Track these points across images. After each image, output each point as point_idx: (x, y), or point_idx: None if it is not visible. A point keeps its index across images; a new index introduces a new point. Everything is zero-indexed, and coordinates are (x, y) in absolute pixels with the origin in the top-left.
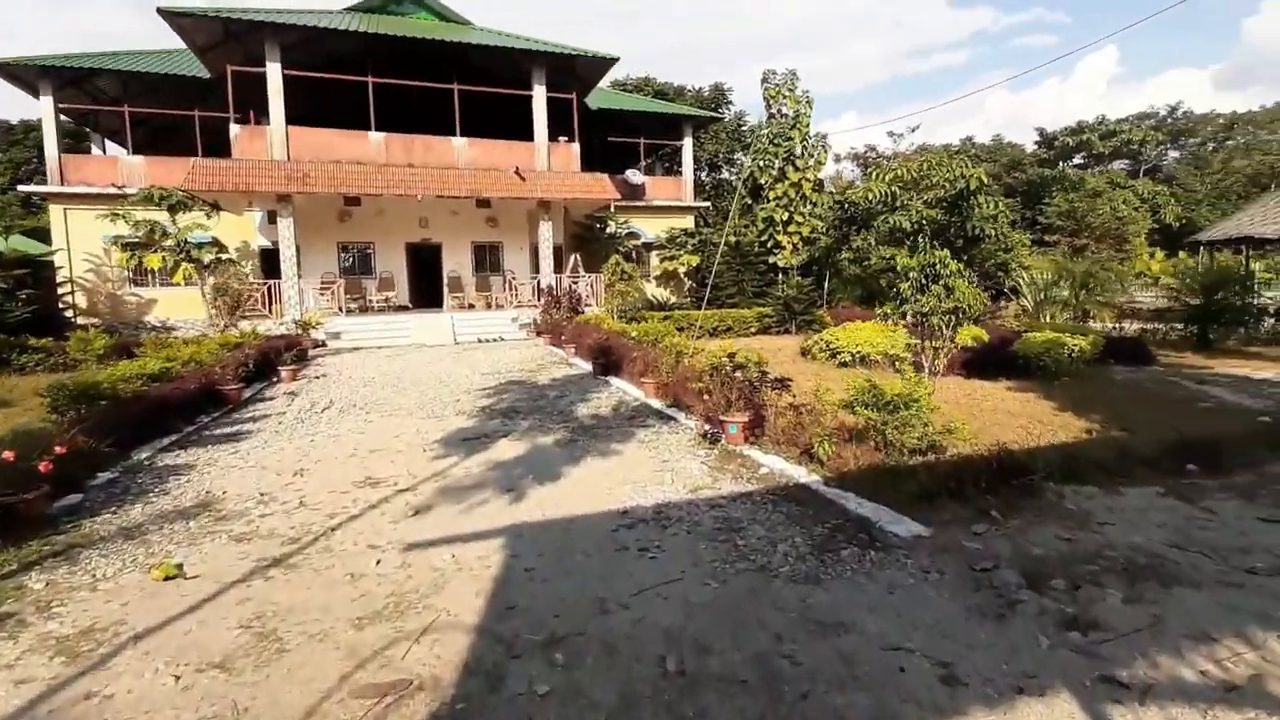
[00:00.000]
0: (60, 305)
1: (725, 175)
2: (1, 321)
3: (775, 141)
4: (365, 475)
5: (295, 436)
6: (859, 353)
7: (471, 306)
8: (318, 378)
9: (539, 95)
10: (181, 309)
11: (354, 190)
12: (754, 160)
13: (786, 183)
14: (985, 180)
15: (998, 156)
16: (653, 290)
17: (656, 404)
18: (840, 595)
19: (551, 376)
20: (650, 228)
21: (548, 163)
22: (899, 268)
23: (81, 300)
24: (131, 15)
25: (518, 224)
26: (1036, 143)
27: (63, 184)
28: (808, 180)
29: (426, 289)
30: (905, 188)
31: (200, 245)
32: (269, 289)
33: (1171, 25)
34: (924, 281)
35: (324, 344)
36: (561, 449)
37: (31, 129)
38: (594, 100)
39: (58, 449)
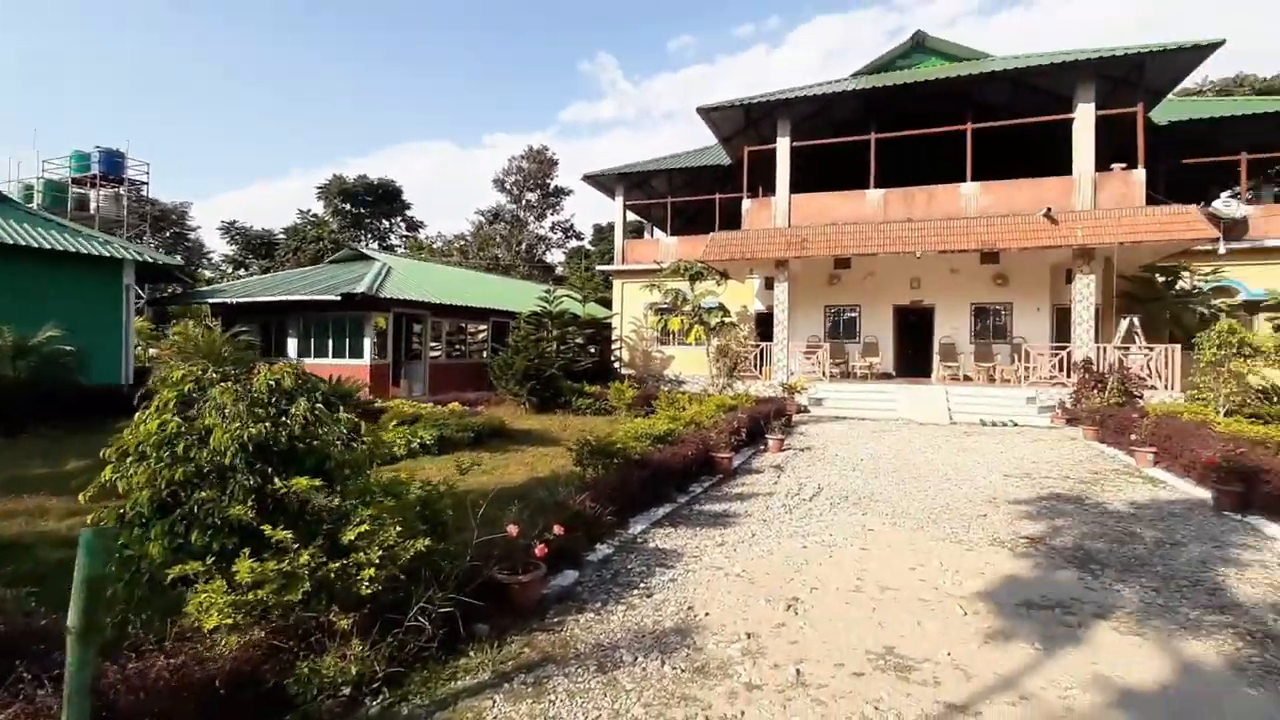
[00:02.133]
0: (612, 358)
1: None
2: (572, 369)
3: None
4: (884, 646)
5: (783, 535)
6: None
7: (968, 379)
8: (803, 450)
9: (1084, 116)
10: (692, 366)
11: (848, 251)
12: None
13: None
14: None
15: None
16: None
17: None
18: None
19: (1127, 497)
20: (1258, 280)
21: (1092, 199)
22: None
23: (625, 355)
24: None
25: (1035, 280)
26: None
27: (623, 263)
28: None
29: (913, 357)
30: None
31: (710, 310)
32: (760, 351)
33: None
34: None
35: (807, 409)
36: (1259, 694)
37: (610, 227)
38: (1159, 114)
39: (556, 529)
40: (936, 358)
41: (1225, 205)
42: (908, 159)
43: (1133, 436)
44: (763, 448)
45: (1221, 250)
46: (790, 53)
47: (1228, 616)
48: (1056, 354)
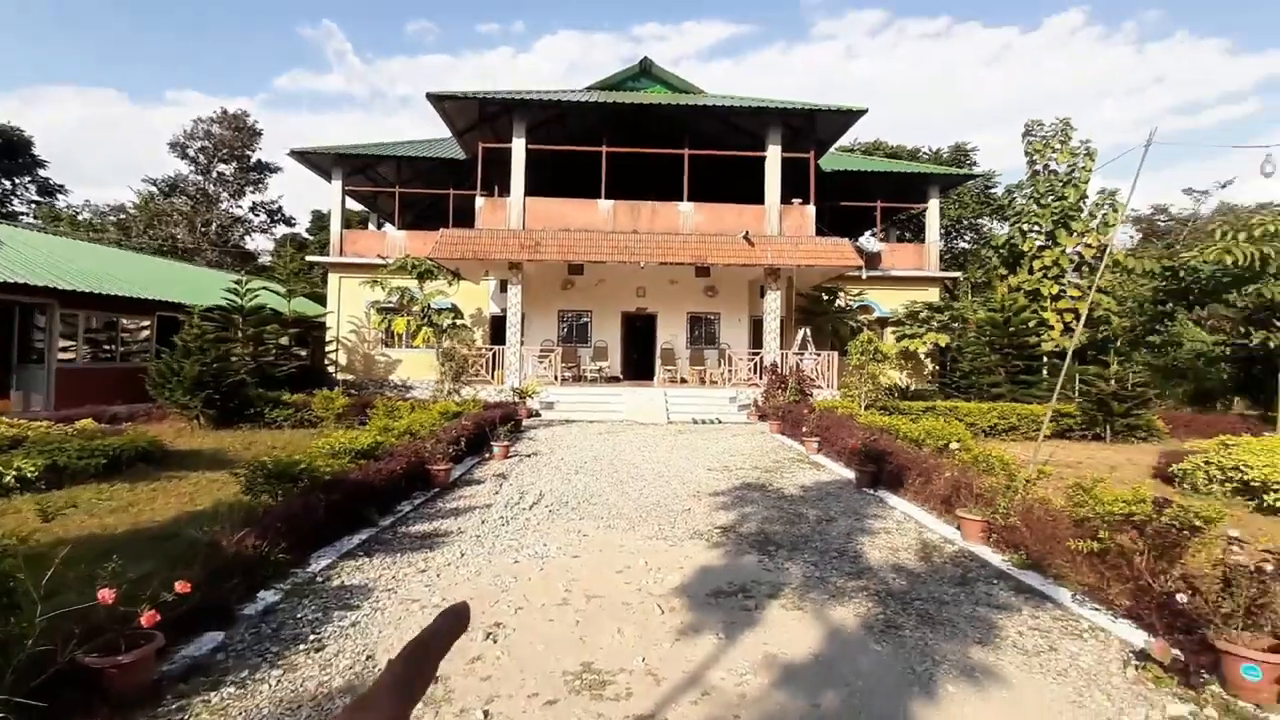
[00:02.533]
0: (326, 362)
1: (963, 244)
2: (272, 375)
3: (1042, 202)
4: (582, 663)
5: (496, 551)
6: None
7: (684, 381)
8: (530, 456)
9: (773, 155)
10: (420, 370)
11: (580, 257)
12: (1013, 224)
13: (1057, 249)
14: None
15: None
16: (890, 372)
17: (995, 559)
18: None
19: (798, 482)
20: (887, 301)
21: (779, 227)
22: None
23: (343, 358)
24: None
25: (738, 294)
26: None
27: (341, 255)
28: (1089, 246)
29: (639, 360)
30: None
31: (439, 311)
32: (493, 355)
33: None
34: None
35: (538, 414)
36: (883, 649)
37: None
38: (825, 163)
39: (179, 587)
40: (658, 362)
41: (867, 241)
42: (636, 174)
43: (804, 429)
44: (488, 455)
45: (864, 276)
46: (537, 60)
47: (863, 580)
48: (753, 359)
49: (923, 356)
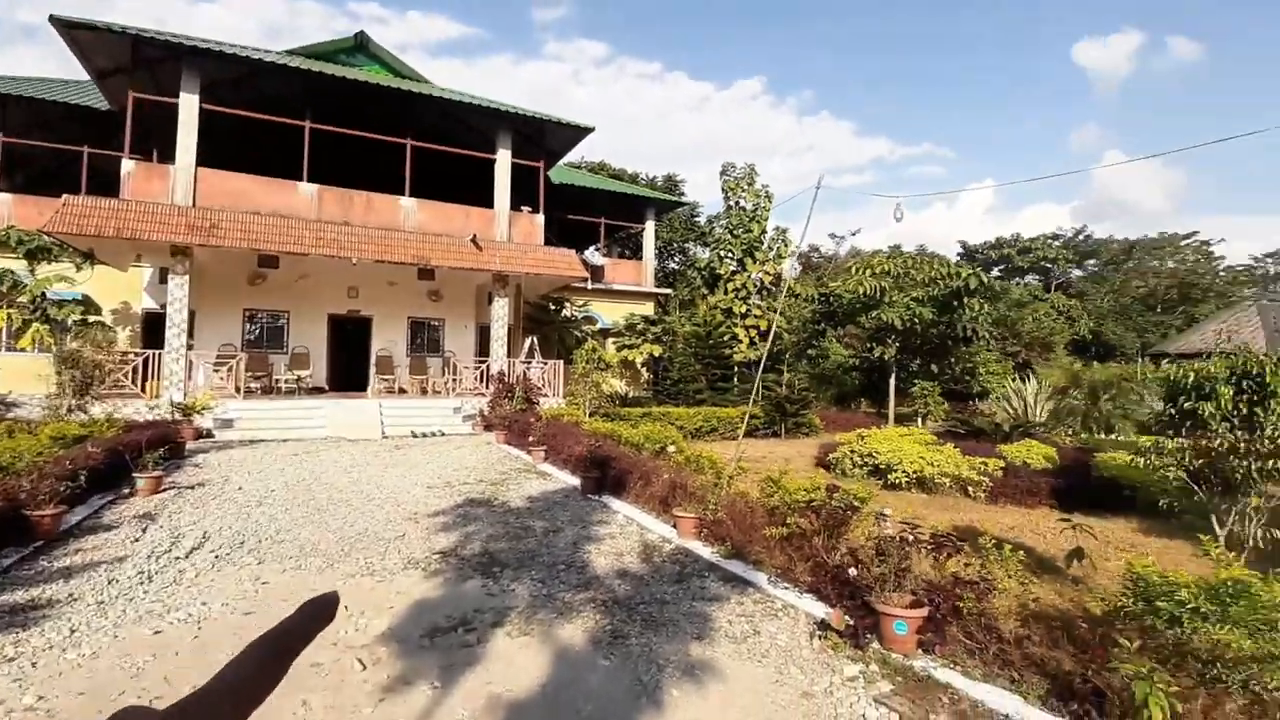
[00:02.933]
0: None
1: (673, 265)
2: None
3: (734, 233)
4: None
5: (129, 620)
6: (914, 471)
7: (403, 392)
8: (193, 488)
9: (503, 160)
10: (28, 381)
11: (273, 247)
12: (713, 250)
13: (744, 275)
14: (985, 280)
15: (921, 267)
16: (612, 380)
17: (706, 552)
18: None
19: (525, 493)
20: (608, 313)
21: (508, 233)
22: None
23: None
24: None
25: (464, 299)
26: (959, 255)
27: None
28: (767, 274)
29: (350, 369)
30: (894, 283)
31: (61, 303)
32: (145, 361)
33: (1039, 163)
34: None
35: (210, 434)
36: (611, 664)
37: None
38: (554, 175)
39: None
40: (373, 370)
41: (591, 256)
42: (349, 160)
43: (530, 438)
44: (128, 492)
45: (590, 288)
46: (221, 13)
47: (590, 591)
48: (479, 367)
49: (639, 366)
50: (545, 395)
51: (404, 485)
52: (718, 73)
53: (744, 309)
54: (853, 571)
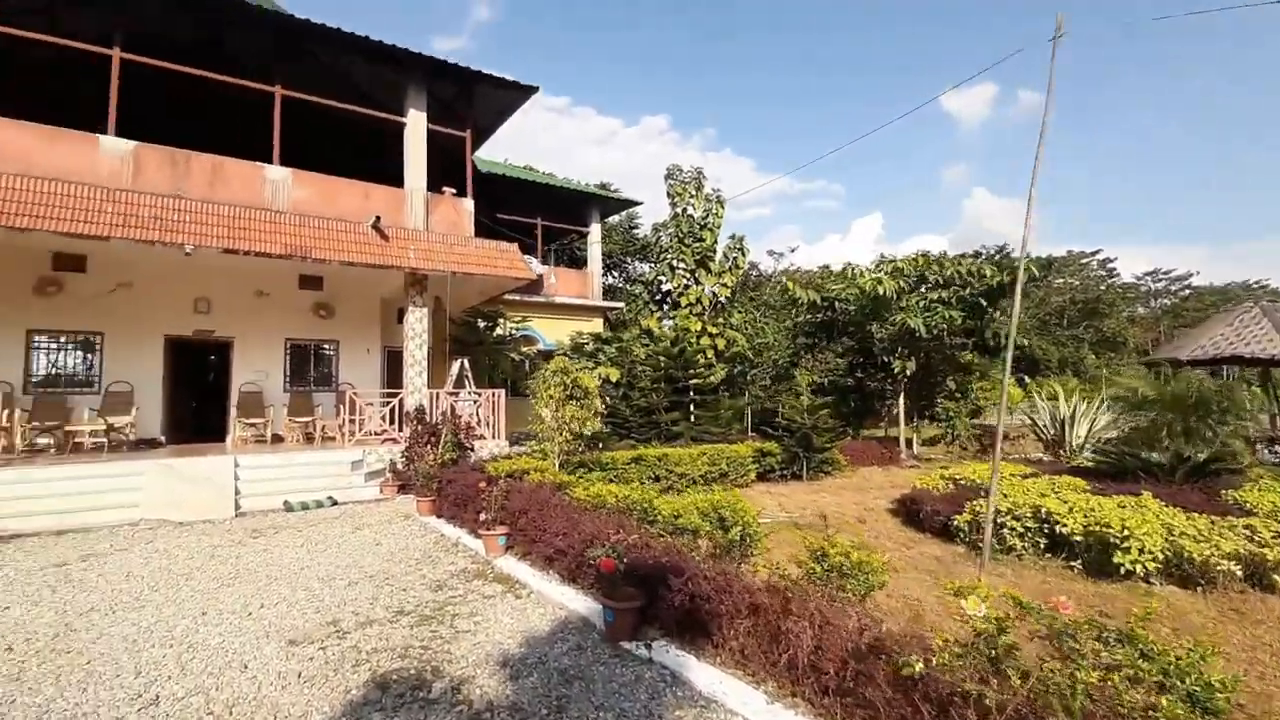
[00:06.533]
0: None
1: (610, 280)
2: None
3: (685, 242)
4: None
5: None
6: (1157, 550)
7: (278, 440)
8: None
9: (416, 124)
10: None
11: (59, 225)
12: (661, 261)
13: (699, 288)
14: (1035, 273)
15: (944, 265)
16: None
17: None
18: None
19: (492, 648)
20: (550, 332)
21: (425, 220)
22: None
23: None
24: None
25: (365, 315)
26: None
27: None
28: (725, 286)
29: (199, 412)
30: (908, 287)
31: None
32: None
33: (919, 200)
34: None
35: None
36: None
37: None
38: (481, 165)
39: None
40: (234, 412)
41: (530, 262)
42: (188, 114)
43: (478, 513)
44: None
45: (527, 300)
46: None
47: None
48: (388, 402)
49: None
50: (482, 436)
51: (243, 639)
52: (624, 110)
53: (699, 326)
54: None
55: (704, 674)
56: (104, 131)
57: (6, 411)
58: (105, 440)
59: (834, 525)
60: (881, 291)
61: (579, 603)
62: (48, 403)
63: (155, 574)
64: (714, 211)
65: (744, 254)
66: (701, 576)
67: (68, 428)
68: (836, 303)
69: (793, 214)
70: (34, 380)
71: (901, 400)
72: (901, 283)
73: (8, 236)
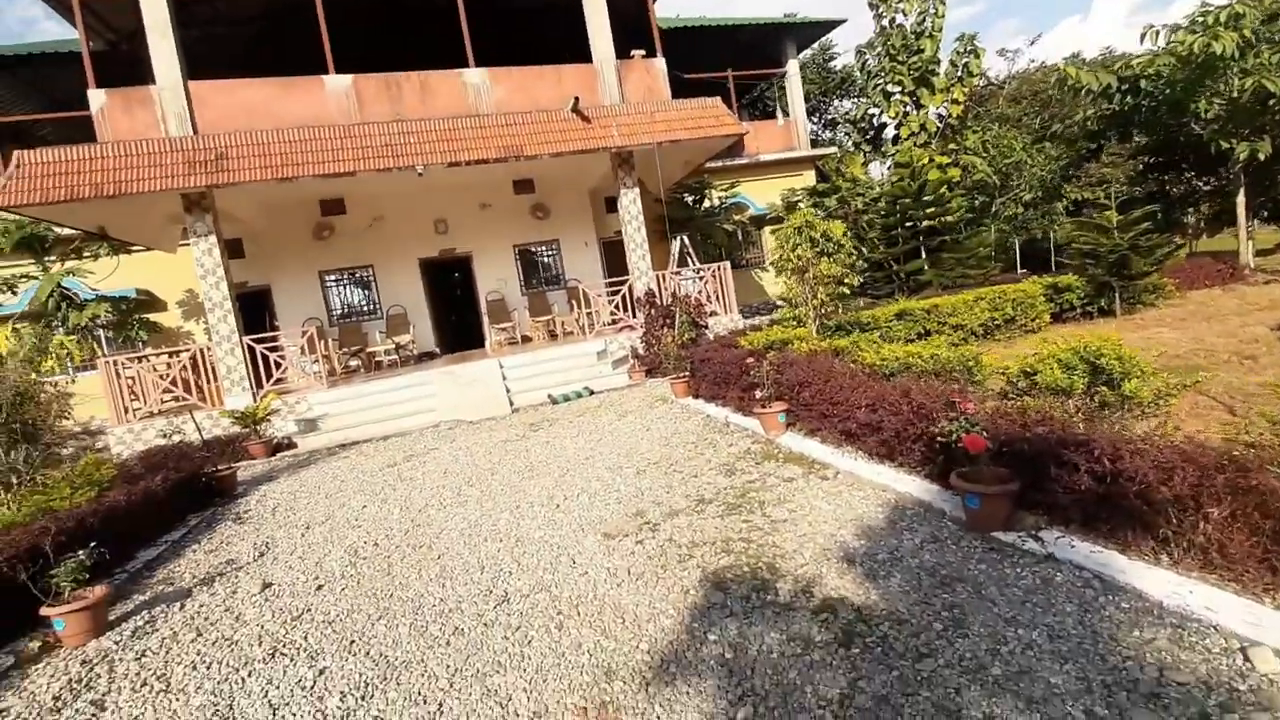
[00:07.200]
0: None
1: (812, 127)
2: None
3: (898, 59)
4: None
5: None
6: None
7: (527, 340)
8: (183, 598)
9: None
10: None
11: (308, 169)
12: (872, 89)
13: (923, 112)
14: None
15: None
16: (772, 281)
17: None
18: None
19: (826, 534)
20: (759, 195)
21: (619, 92)
22: None
23: None
24: None
25: (577, 210)
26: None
27: None
28: (955, 103)
29: (459, 325)
30: (1254, 39)
31: (96, 301)
32: (193, 359)
33: None
34: None
35: (291, 445)
36: None
37: None
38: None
39: None
40: (486, 321)
41: None
42: (382, 34)
43: (749, 389)
44: (11, 663)
45: (730, 164)
46: None
47: None
48: (617, 290)
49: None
50: (714, 314)
51: (555, 530)
52: None
53: (926, 158)
54: None
55: (1153, 577)
56: (325, 72)
57: (323, 341)
58: (396, 357)
59: (1211, 367)
60: (1219, 49)
61: (908, 485)
62: (349, 330)
63: (465, 469)
64: (934, 12)
65: (977, 56)
66: (1128, 448)
67: (368, 349)
68: (1141, 81)
69: (1011, 3)
70: (334, 313)
71: (1241, 198)
72: (1247, 33)
73: (281, 189)
